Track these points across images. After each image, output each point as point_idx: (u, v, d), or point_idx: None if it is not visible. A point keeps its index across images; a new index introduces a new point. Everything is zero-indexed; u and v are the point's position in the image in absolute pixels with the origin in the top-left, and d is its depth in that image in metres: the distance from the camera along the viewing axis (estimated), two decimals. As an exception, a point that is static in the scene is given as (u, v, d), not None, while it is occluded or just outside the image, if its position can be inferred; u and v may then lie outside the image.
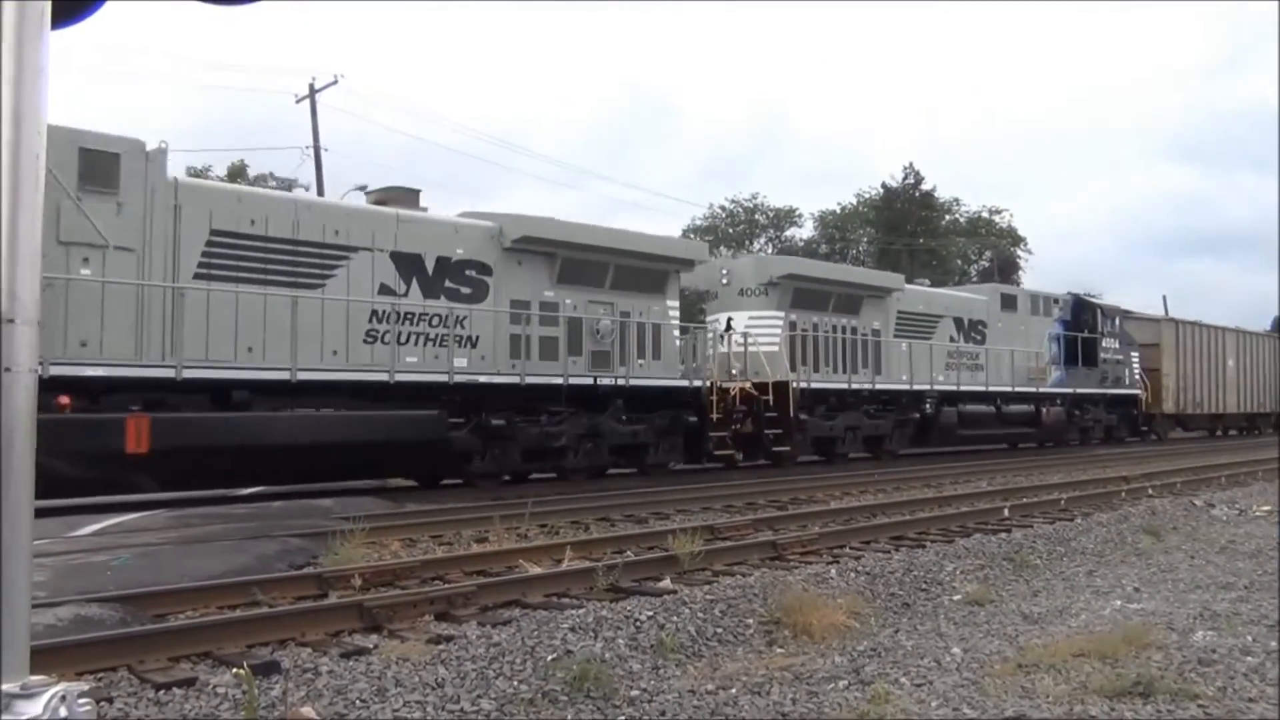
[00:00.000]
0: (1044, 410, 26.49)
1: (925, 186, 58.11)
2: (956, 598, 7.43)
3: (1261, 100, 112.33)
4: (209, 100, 78.63)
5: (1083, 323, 28.86)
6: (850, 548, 9.26)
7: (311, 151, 32.54)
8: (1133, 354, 30.95)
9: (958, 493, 14.78)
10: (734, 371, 19.60)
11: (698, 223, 58.87)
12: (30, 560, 2.45)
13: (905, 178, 58.08)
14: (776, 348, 20.03)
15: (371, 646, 5.41)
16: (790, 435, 19.32)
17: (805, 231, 60.01)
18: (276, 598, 6.64)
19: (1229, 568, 8.58)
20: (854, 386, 21.33)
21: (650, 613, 6.16)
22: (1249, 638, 5.95)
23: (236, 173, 40.91)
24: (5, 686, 2.34)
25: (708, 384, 17.94)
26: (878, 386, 21.99)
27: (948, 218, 59.87)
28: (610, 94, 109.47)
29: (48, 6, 2.57)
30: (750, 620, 6.34)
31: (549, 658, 5.23)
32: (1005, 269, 54.70)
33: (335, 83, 32.98)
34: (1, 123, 2.50)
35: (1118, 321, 30.62)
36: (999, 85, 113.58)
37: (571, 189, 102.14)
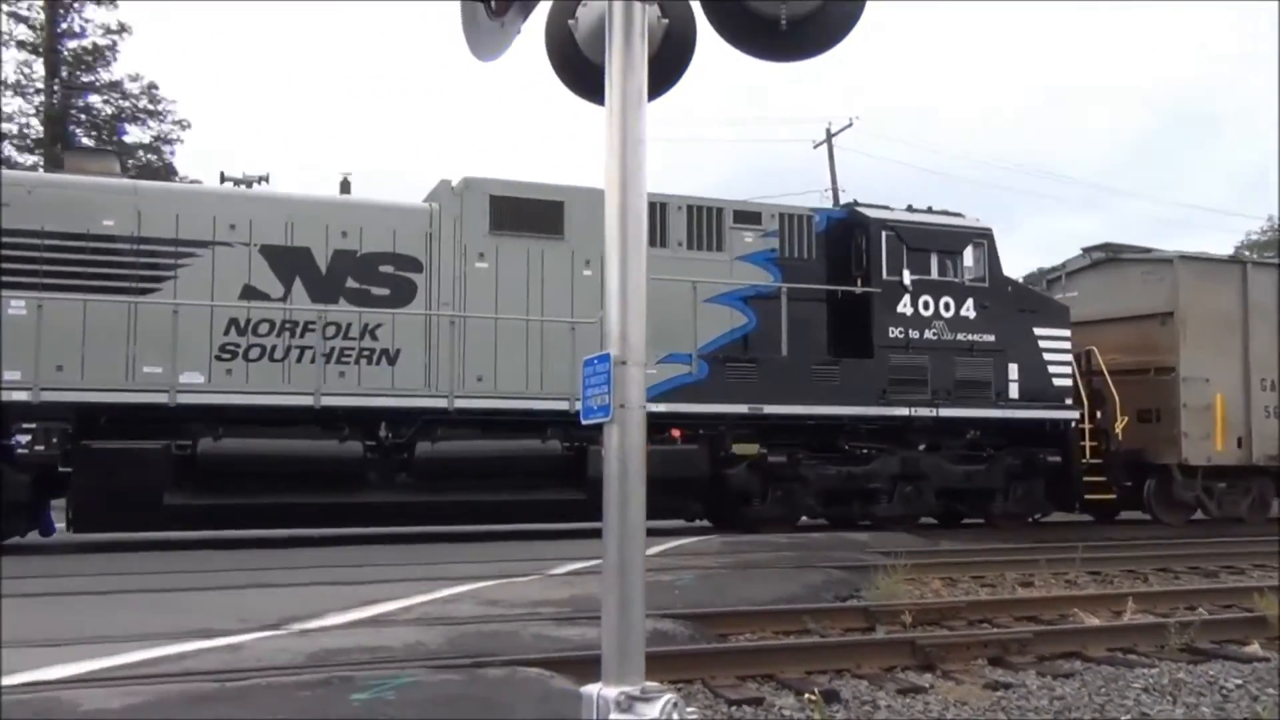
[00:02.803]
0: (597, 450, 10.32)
1: None
2: None
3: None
4: (740, 152, 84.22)
5: (843, 266, 13.96)
6: None
7: (830, 194, 33.75)
8: (1039, 331, 14.54)
9: None
10: None
11: (1253, 237, 51.80)
12: (644, 575, 2.73)
13: None
14: None
15: (927, 686, 5.32)
16: None
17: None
18: (827, 626, 6.81)
19: None
20: None
21: (1239, 680, 5.43)
22: None
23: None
24: (627, 689, 2.63)
25: None
26: None
27: None
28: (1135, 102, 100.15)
29: (644, 82, 2.90)
30: (1376, 702, 5.32)
31: (1123, 718, 4.79)
32: None
33: (850, 125, 34.05)
34: (611, 187, 2.87)
35: (969, 259, 14.27)
36: None
37: (1101, 210, 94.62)
